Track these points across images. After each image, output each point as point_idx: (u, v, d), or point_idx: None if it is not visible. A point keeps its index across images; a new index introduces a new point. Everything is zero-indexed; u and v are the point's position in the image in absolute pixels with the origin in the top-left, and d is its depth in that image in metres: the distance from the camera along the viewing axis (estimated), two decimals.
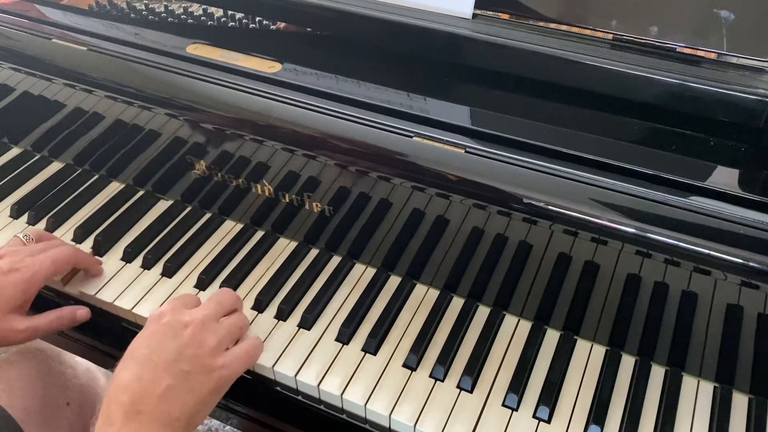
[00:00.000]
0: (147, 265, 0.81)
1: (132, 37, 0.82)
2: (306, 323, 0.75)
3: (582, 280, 0.69)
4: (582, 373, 0.71)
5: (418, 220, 0.73)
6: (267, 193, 0.80)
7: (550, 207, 0.63)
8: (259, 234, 0.85)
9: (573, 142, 0.65)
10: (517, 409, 0.68)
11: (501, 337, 0.74)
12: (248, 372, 0.72)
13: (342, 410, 0.70)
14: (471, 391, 0.69)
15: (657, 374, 0.71)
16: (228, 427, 1.45)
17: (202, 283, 0.79)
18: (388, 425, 0.68)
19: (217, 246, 0.84)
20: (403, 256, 0.78)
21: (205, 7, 0.87)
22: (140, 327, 0.68)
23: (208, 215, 0.88)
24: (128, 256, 0.82)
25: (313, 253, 0.83)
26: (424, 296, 0.78)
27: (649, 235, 0.60)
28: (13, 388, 0.77)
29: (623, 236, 0.61)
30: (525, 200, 0.64)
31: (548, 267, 0.69)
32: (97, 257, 0.82)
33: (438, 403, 0.68)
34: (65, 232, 0.86)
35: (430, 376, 0.70)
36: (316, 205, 0.78)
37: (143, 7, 0.89)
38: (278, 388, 0.72)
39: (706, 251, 0.59)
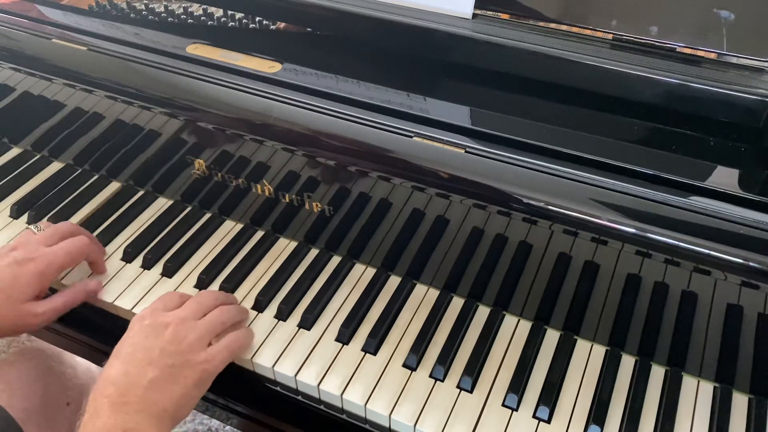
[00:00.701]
0: (147, 265, 0.81)
1: (132, 37, 0.82)
2: (306, 323, 0.75)
3: (582, 280, 0.69)
4: (582, 373, 0.71)
5: (418, 220, 0.73)
6: (267, 193, 0.80)
7: (550, 207, 0.63)
8: (259, 234, 0.85)
9: (573, 142, 0.65)
10: (517, 409, 0.68)
11: (501, 337, 0.74)
12: (248, 371, 0.72)
13: (342, 410, 0.70)
14: (471, 391, 0.69)
15: (657, 374, 0.71)
16: (228, 427, 1.45)
17: (202, 283, 0.79)
18: (388, 425, 0.68)
19: (217, 246, 0.84)
20: (403, 256, 0.78)
21: (205, 7, 0.87)
22: None
23: (208, 215, 0.88)
24: (128, 256, 0.82)
25: (313, 253, 0.83)
26: (424, 296, 0.78)
27: (649, 235, 0.60)
28: (13, 388, 0.77)
29: (623, 236, 0.61)
30: (525, 200, 0.63)
31: (548, 267, 0.69)
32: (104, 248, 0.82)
33: (438, 403, 0.68)
34: None
35: (430, 376, 0.70)
36: (316, 205, 0.78)
37: (143, 7, 0.89)
38: (278, 388, 0.72)
39: (706, 251, 0.59)
